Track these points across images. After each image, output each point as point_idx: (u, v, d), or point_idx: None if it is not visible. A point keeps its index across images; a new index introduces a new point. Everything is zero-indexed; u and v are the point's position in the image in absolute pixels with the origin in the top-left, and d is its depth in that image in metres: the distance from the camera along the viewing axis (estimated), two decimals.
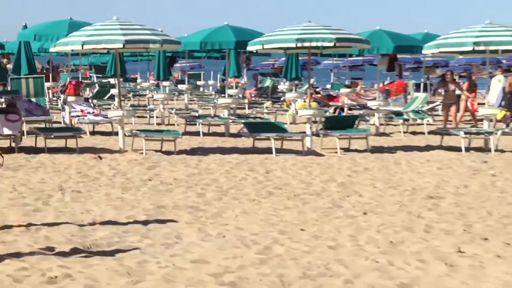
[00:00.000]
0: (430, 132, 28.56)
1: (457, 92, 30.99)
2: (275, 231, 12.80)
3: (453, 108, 30.49)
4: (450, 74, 31.32)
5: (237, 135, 27.29)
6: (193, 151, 23.11)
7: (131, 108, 33.16)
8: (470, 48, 26.21)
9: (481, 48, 25.93)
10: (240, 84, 44.98)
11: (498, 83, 30.50)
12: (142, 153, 22.07)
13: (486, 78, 33.53)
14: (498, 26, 26.26)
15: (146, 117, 34.22)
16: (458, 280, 10.05)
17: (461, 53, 29.44)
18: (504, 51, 27.55)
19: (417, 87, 43.86)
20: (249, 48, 27.49)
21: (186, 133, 27.26)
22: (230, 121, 29.09)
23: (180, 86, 47.71)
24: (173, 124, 31.60)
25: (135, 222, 13.31)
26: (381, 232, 12.77)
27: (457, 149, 23.54)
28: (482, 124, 26.79)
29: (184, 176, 18.52)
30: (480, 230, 12.97)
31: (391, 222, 13.52)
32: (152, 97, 41.63)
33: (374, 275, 10.27)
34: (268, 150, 22.68)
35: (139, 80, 53.97)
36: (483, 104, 29.91)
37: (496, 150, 23.55)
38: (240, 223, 13.43)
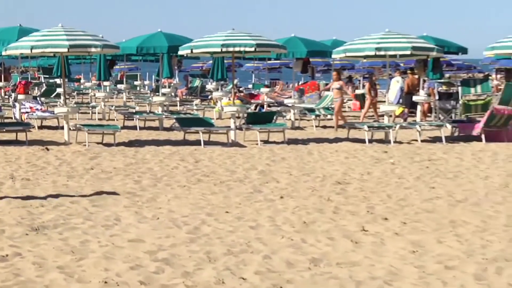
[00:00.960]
0: (339, 126, 28.69)
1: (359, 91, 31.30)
2: (203, 213, 12.79)
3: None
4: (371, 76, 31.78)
5: (170, 129, 27.16)
6: (130, 143, 22.99)
7: (75, 105, 32.69)
8: (372, 53, 26.51)
9: (382, 53, 26.22)
10: (172, 84, 44.88)
11: (396, 83, 30.76)
12: (85, 145, 21.94)
13: (386, 79, 33.86)
14: (396, 34, 26.57)
15: (88, 113, 33.88)
16: (362, 255, 10.12)
17: (365, 57, 29.72)
18: (401, 56, 27.84)
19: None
20: (180, 52, 27.44)
21: (124, 127, 27.16)
22: (164, 116, 29.04)
23: (119, 86, 47.63)
24: (113, 119, 31.39)
25: (79, 206, 13.22)
26: (295, 214, 12.82)
27: (362, 141, 23.69)
28: (383, 119, 27.07)
29: (122, 165, 18.42)
30: (381, 211, 13.08)
31: (304, 205, 13.57)
32: (94, 95, 41.43)
33: (289, 251, 10.31)
34: (197, 142, 22.64)
35: (82, 80, 53.71)
36: (384, 101, 30.18)
37: (395, 142, 23.77)
38: (172, 206, 13.39)
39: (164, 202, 13.81)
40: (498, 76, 51.40)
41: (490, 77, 43.49)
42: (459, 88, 31.25)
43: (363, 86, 39.48)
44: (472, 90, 30.81)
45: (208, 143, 23.15)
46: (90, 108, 34.79)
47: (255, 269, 9.39)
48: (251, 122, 24.78)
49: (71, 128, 23.39)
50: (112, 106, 34.84)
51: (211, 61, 43.12)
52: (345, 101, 38.17)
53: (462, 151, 21.63)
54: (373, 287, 8.72)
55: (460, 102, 28.44)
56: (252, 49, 25.21)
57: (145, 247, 10.42)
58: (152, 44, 31.43)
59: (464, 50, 35.53)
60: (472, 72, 56.62)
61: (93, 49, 24.27)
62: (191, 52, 26.48)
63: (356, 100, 37.97)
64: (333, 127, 29.01)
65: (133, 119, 29.15)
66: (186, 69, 62.52)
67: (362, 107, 32.43)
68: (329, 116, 31.06)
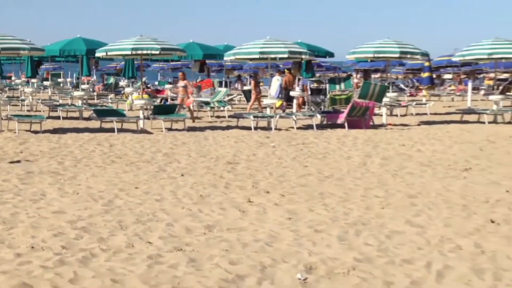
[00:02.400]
0: (229, 116, 28.79)
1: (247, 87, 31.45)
2: (116, 189, 12.66)
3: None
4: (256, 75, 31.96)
5: (88, 118, 26.84)
6: (54, 131, 22.59)
7: (7, 99, 32.42)
8: (257, 56, 26.74)
9: (265, 56, 26.52)
10: (90, 81, 44.57)
11: (276, 81, 30.91)
12: (15, 132, 21.46)
13: (268, 78, 34.06)
14: (276, 40, 26.82)
15: (18, 105, 33.37)
16: (248, 222, 10.17)
17: (251, 59, 29.81)
18: (280, 58, 28.05)
19: (220, 84, 44.40)
20: (97, 54, 27.11)
21: (49, 117, 26.76)
22: (83, 108, 28.56)
23: (45, 83, 47.42)
24: (40, 111, 30.78)
25: (10, 183, 12.95)
26: (193, 189, 12.79)
27: (248, 128, 23.76)
28: (266, 110, 27.24)
29: (47, 149, 18.08)
30: (264, 186, 13.15)
31: (201, 181, 13.56)
32: (23, 90, 40.60)
33: (188, 219, 10.30)
34: (111, 130, 22.37)
35: (13, 78, 53.26)
36: (266, 96, 30.34)
37: (275, 129, 23.91)
38: (90, 183, 13.21)
39: (83, 180, 13.61)
40: (358, 75, 52.23)
41: (351, 76, 44.04)
42: (327, 85, 31.64)
43: (250, 83, 39.58)
44: (337, 87, 31.20)
45: (120, 130, 22.89)
46: (20, 101, 34.50)
47: (160, 235, 9.37)
48: (157, 113, 24.65)
49: (3, 118, 22.96)
50: (39, 99, 34.51)
51: (123, 62, 42.83)
52: (234, 95, 38.51)
53: (329, 136, 21.88)
54: (256, 247, 8.77)
55: (328, 96, 28.80)
56: (157, 52, 25.39)
57: (66, 217, 10.28)
58: (73, 47, 31.18)
59: (331, 54, 36.17)
60: (337, 72, 57.19)
61: (21, 52, 24.71)
62: (106, 54, 26.49)
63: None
64: (225, 117, 29.10)
65: (57, 111, 28.69)
66: (102, 68, 61.87)
67: (248, 100, 32.50)
68: (222, 108, 31.10)
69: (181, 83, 28.61)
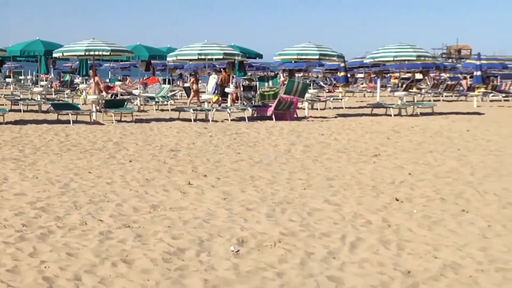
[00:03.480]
0: (172, 110, 28.63)
1: (187, 84, 31.33)
2: (72, 173, 12.48)
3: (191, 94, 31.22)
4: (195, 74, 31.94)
5: (47, 111, 26.48)
6: (16, 122, 22.14)
7: None
8: (196, 57, 26.57)
9: (203, 57, 26.31)
10: (48, 78, 43.65)
11: (213, 79, 30.95)
12: None
13: (206, 76, 33.94)
14: (212, 43, 26.73)
15: None
16: (188, 202, 10.13)
17: (190, 60, 29.62)
18: (216, 59, 27.91)
19: (164, 81, 44.24)
20: (54, 55, 26.59)
21: (11, 110, 26.11)
22: (42, 102, 28.06)
23: (7, 80, 46.60)
24: (2, 105, 29.97)
25: None
26: (140, 173, 12.69)
27: (189, 120, 23.66)
28: (204, 104, 27.16)
29: (10, 138, 17.71)
30: (202, 170, 13.11)
31: (147, 167, 13.46)
32: None
33: (135, 200, 10.22)
34: (67, 122, 22.03)
35: None
36: (204, 92, 30.24)
37: (212, 121, 23.84)
38: (48, 169, 13.00)
39: (42, 166, 13.37)
40: (284, 74, 52.35)
41: (278, 75, 44.21)
42: (257, 82, 31.83)
43: (190, 81, 39.39)
44: (266, 84, 31.42)
45: (75, 122, 22.56)
46: None
47: (110, 213, 9.28)
48: (108, 106, 24.40)
49: None
50: (1, 94, 33.55)
51: (78, 62, 42.23)
52: (176, 91, 38.31)
53: (259, 127, 21.92)
54: (195, 224, 8.75)
55: (258, 92, 28.87)
56: (108, 53, 25.06)
57: (27, 199, 10.11)
58: (32, 48, 30.75)
59: (260, 56, 36.13)
60: (266, 72, 57.31)
61: None
62: (63, 55, 26.08)
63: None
64: (168, 110, 28.94)
65: (18, 104, 28.03)
66: (59, 67, 60.77)
67: (188, 96, 32.37)
68: (165, 102, 30.91)
69: (93, 80, 28.41)
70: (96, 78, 28.33)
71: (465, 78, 49.37)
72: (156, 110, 29.48)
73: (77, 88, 40.76)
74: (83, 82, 39.74)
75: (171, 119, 24.57)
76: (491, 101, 38.61)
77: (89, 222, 8.79)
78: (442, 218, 9.24)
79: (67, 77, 48.85)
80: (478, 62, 42.16)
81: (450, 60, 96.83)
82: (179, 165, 13.77)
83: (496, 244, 7.95)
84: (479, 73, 41.27)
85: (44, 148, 16.07)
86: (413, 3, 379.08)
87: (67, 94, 36.49)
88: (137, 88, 35.13)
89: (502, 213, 9.54)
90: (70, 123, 21.84)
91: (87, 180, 11.93)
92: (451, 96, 42.79)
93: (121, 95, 32.95)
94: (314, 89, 34.67)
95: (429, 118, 26.18)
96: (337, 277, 6.73)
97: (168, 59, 29.76)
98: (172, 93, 36.04)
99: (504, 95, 41.66)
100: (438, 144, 17.72)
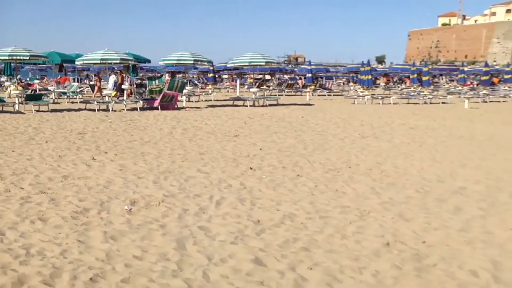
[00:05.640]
0: (80, 102, 27.66)
1: (92, 82, 30.36)
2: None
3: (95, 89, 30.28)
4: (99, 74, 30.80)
5: None
6: None
7: None
8: (98, 62, 25.80)
9: (104, 62, 25.67)
10: None
11: (112, 79, 30.04)
12: None
13: (107, 76, 33.01)
14: (111, 51, 26.02)
15: None
16: (92, 173, 9.81)
17: (94, 64, 28.59)
18: (115, 63, 27.12)
19: (74, 80, 42.65)
20: None
21: None
22: None
23: None
24: None
25: None
26: (54, 151, 12.16)
27: (93, 110, 22.94)
28: (105, 98, 26.36)
29: None
30: (103, 148, 12.73)
31: (59, 146, 12.92)
32: None
33: (50, 172, 9.78)
34: None
35: None
36: (105, 88, 29.41)
37: (112, 110, 23.23)
38: None
39: None
40: (167, 75, 51.45)
41: (163, 76, 43.46)
42: (147, 81, 31.31)
43: (94, 80, 38.01)
44: (153, 82, 31.02)
45: (1, 112, 21.34)
46: None
47: (29, 182, 8.84)
48: (29, 99, 23.29)
49: None
50: None
51: (3, 64, 39.88)
52: (83, 88, 36.91)
53: (148, 115, 21.53)
54: (97, 189, 8.49)
55: (147, 89, 28.36)
56: (27, 58, 23.95)
57: None
58: None
59: (149, 61, 35.67)
60: (154, 73, 56.15)
61: None
62: None
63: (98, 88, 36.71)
64: (77, 102, 27.93)
65: None
66: None
67: (93, 91, 31.35)
68: (75, 97, 29.77)
69: (97, 84, 27.42)
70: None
71: (300, 78, 50.56)
72: (67, 102, 28.37)
73: (2, 85, 38.56)
74: (8, 81, 37.61)
75: (79, 109, 23.70)
76: (318, 95, 39.88)
77: (12, 190, 8.33)
78: (283, 181, 9.47)
79: None
80: (309, 67, 43.57)
81: (290, 65, 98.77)
82: (85, 145, 13.30)
83: (320, 199, 8.25)
84: (310, 75, 42.61)
85: None
86: (264, 21, 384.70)
87: None
88: (52, 85, 33.75)
89: (324, 177, 9.90)
90: None
91: (10, 157, 11.30)
92: (291, 92, 43.78)
93: (39, 90, 31.45)
94: (190, 86, 34.53)
95: (275, 108, 26.69)
96: (206, 227, 6.75)
97: (76, 62, 28.61)
98: (80, 89, 34.77)
99: (328, 91, 43.22)
100: (281, 127, 18.10)
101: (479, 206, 7.88)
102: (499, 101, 34.85)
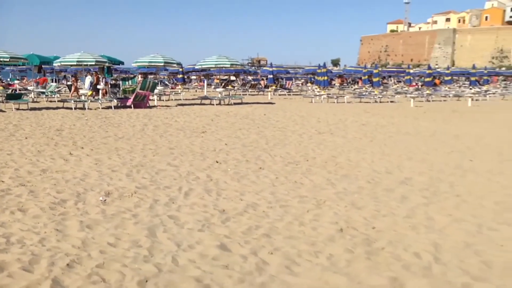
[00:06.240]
0: (58, 101, 27.09)
1: (69, 83, 29.78)
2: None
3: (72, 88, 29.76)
4: (76, 75, 30.07)
5: None
6: None
7: None
8: (75, 63, 25.53)
9: (80, 63, 25.34)
10: None
11: (88, 79, 29.57)
12: None
13: (83, 76, 32.45)
14: (87, 53, 25.61)
15: None
16: (69, 167, 9.64)
17: (71, 65, 28.06)
18: (90, 65, 26.63)
19: (52, 80, 41.79)
20: None
21: None
22: None
23: None
24: None
25: None
26: (34, 146, 11.92)
27: (70, 108, 22.53)
28: (82, 97, 25.89)
29: None
30: (80, 144, 12.52)
31: (39, 142, 12.66)
32: None
33: (29, 166, 9.56)
34: None
35: None
36: (82, 88, 28.95)
37: (88, 108, 22.84)
38: None
39: None
40: (140, 76, 50.87)
41: (136, 77, 42.91)
42: (121, 81, 30.91)
43: (71, 80, 37.29)
44: (127, 83, 30.66)
45: None
46: None
47: (10, 176, 8.65)
48: (10, 98, 22.73)
49: None
50: None
51: None
52: (61, 88, 36.19)
53: (122, 113, 21.24)
54: (74, 182, 8.35)
55: (121, 88, 28.02)
56: (8, 60, 23.40)
57: None
58: None
59: (122, 63, 34.95)
60: (127, 74, 55.24)
61: None
62: None
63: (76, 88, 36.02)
64: (55, 101, 27.36)
65: None
66: None
67: (70, 91, 30.77)
68: (53, 96, 29.18)
69: (73, 84, 26.87)
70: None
71: (262, 79, 50.60)
72: (46, 101, 27.76)
73: None
74: None
75: (57, 108, 23.24)
76: (279, 95, 40.01)
77: None
78: (246, 173, 9.49)
79: None
80: (271, 69, 43.64)
81: (253, 67, 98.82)
82: (63, 141, 13.05)
83: (280, 190, 8.30)
84: (271, 76, 42.69)
85: None
86: (229, 26, 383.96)
87: None
88: (31, 85, 33.03)
89: (284, 169, 9.96)
90: None
91: (1, 149, 11.04)
92: (254, 91, 43.81)
93: (19, 90, 30.70)
94: (161, 86, 34.26)
95: (239, 106, 26.67)
96: (175, 216, 6.72)
97: (54, 64, 28.03)
98: (58, 89, 34.08)
99: (287, 91, 43.40)
100: (245, 124, 18.11)
101: (422, 195, 8.05)
102: (441, 100, 35.62)
